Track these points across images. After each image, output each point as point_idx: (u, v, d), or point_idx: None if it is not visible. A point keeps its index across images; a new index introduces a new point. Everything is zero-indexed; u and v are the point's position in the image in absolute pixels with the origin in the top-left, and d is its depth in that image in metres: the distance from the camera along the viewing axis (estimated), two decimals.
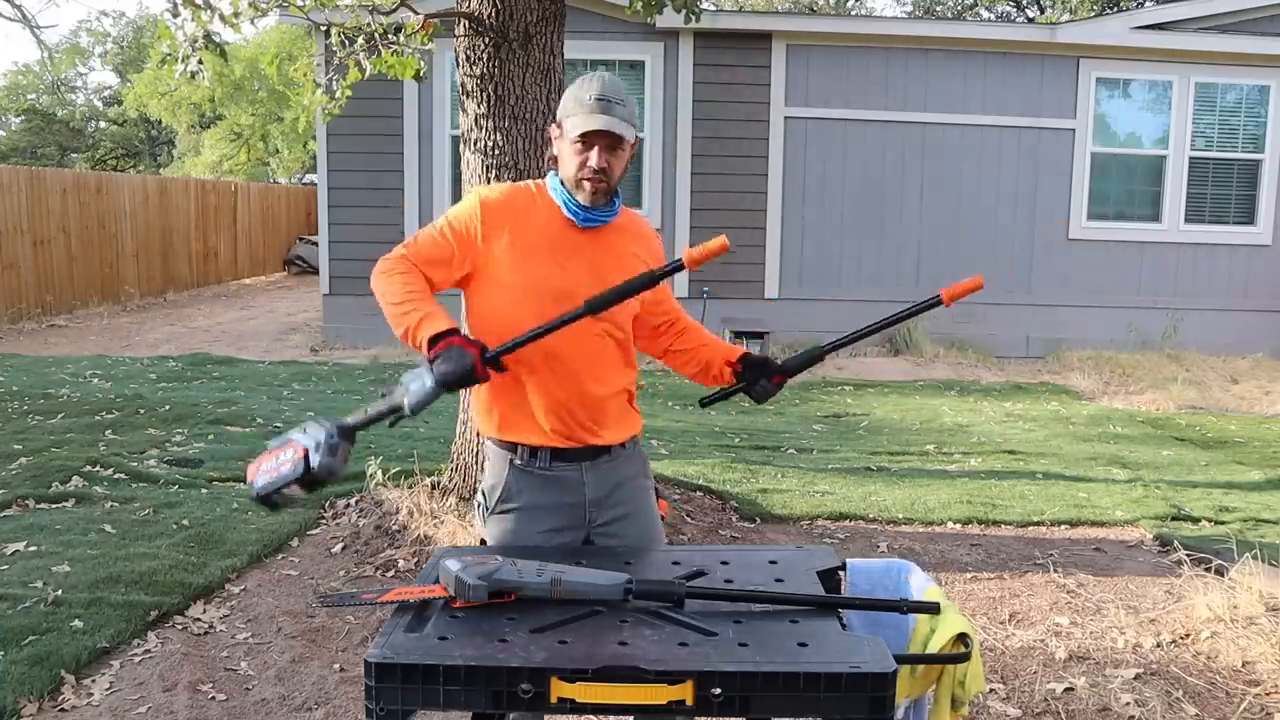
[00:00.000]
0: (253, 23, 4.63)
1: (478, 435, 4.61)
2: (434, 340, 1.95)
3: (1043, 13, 25.80)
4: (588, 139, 2.09)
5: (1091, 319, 10.34)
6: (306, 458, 1.80)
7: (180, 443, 6.12)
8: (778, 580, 1.94)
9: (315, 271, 15.96)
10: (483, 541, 2.28)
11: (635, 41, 9.87)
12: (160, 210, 14.96)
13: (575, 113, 2.11)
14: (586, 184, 2.12)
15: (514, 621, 1.66)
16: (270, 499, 1.85)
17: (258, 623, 3.70)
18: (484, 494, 2.27)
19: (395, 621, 1.67)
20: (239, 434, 6.36)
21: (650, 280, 2.03)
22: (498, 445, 2.24)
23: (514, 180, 4.48)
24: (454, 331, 1.96)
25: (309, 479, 1.82)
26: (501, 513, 2.23)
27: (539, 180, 2.26)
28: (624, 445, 2.27)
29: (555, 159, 2.20)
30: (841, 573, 2.06)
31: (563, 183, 2.17)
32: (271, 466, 1.84)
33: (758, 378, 2.25)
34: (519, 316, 2.09)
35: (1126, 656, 3.49)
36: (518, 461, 2.21)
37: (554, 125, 2.19)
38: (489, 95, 4.45)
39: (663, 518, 2.41)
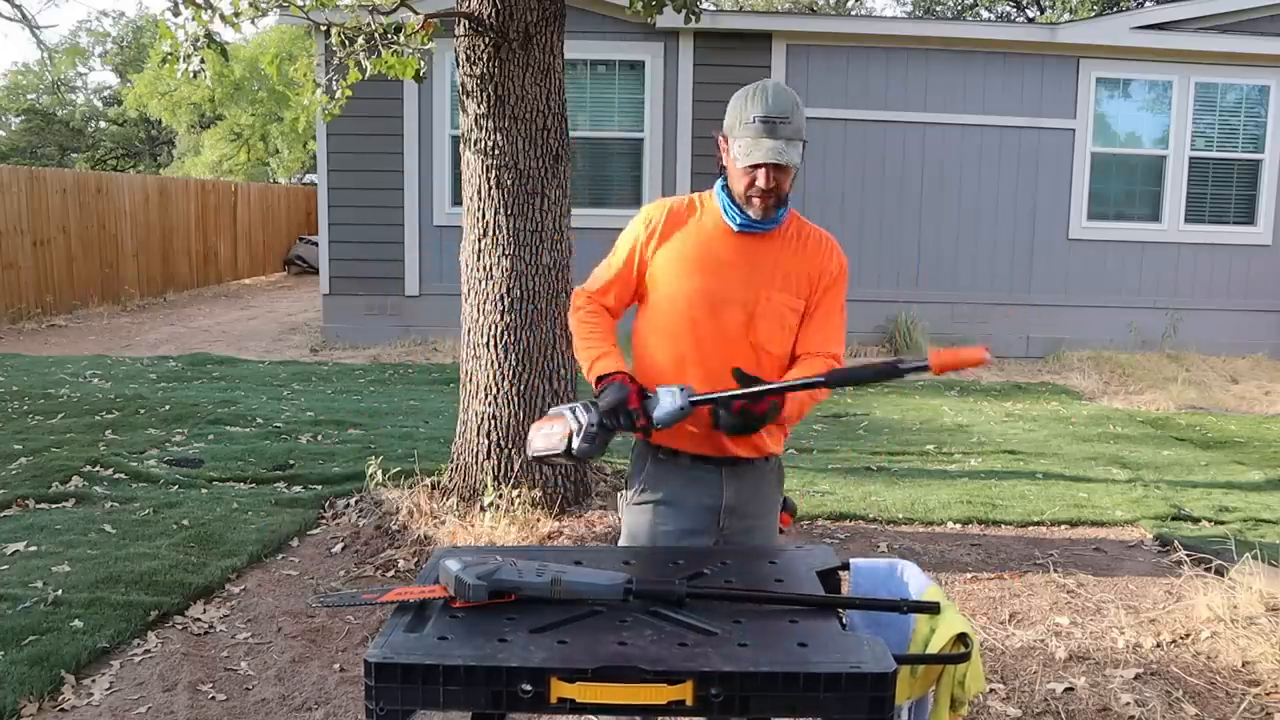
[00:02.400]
0: (253, 22, 4.63)
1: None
2: (601, 378, 2.13)
3: (1043, 13, 25.79)
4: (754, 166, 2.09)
5: (1091, 319, 10.33)
6: (570, 438, 2.08)
7: (180, 443, 6.12)
8: (778, 580, 1.94)
9: (315, 271, 15.96)
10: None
11: (635, 41, 9.87)
12: (160, 210, 14.96)
13: (740, 135, 2.10)
14: (756, 201, 2.15)
15: (514, 621, 1.66)
16: (540, 461, 2.19)
17: (258, 623, 3.70)
18: (625, 480, 2.32)
19: (395, 621, 1.67)
20: (239, 434, 6.35)
21: (888, 372, 2.02)
22: (643, 440, 2.28)
23: (515, 180, 4.50)
24: (620, 373, 2.12)
25: (571, 456, 2.10)
26: (639, 504, 2.27)
27: (706, 191, 2.29)
28: (766, 459, 2.30)
29: (722, 166, 2.21)
30: (843, 572, 2.06)
31: (728, 191, 2.20)
32: (545, 434, 2.13)
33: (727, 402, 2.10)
34: (676, 326, 2.19)
35: (1126, 656, 3.49)
36: (661, 456, 2.25)
37: (720, 136, 2.19)
38: (489, 95, 4.45)
39: (783, 530, 2.41)
